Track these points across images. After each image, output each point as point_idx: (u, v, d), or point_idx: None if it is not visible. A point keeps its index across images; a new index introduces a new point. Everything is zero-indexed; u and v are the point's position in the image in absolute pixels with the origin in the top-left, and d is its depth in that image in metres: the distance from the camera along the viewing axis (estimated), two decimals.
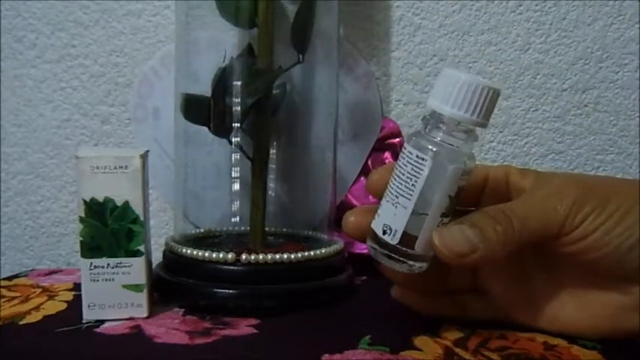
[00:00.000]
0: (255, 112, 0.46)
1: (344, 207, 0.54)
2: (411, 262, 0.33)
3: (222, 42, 0.48)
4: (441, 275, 0.38)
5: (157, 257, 0.45)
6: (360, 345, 0.35)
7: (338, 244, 0.46)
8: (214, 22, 0.47)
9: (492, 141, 0.58)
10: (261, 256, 0.42)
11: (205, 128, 0.46)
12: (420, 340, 0.36)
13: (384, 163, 0.55)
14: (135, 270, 0.39)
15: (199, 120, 0.47)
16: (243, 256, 0.42)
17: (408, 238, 0.32)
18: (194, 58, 0.49)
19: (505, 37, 0.57)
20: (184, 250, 0.43)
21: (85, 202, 0.38)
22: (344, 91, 0.54)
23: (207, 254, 0.42)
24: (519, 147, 0.58)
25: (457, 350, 0.34)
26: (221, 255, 0.42)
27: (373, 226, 0.34)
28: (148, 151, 0.40)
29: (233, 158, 0.49)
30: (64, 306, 0.42)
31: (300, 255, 0.43)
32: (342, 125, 0.54)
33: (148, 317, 0.39)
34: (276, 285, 0.42)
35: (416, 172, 0.32)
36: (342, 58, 0.54)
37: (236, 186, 0.49)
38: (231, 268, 0.42)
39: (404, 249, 0.33)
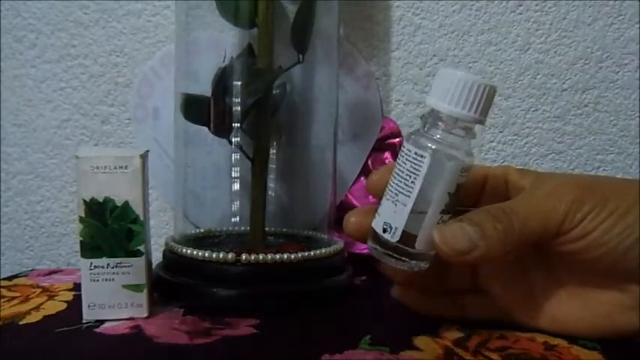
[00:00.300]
0: (255, 112, 0.46)
1: (344, 207, 0.54)
2: (411, 261, 0.33)
3: (222, 42, 0.48)
4: (441, 275, 0.38)
5: (156, 257, 0.45)
6: (360, 345, 0.35)
7: (338, 244, 0.46)
8: (214, 22, 0.47)
9: (492, 141, 0.58)
10: (261, 256, 0.42)
11: (205, 128, 0.46)
12: (420, 340, 0.36)
13: (384, 163, 0.55)
14: (135, 270, 0.39)
15: (199, 120, 0.47)
16: (243, 256, 0.42)
17: (408, 236, 0.33)
18: (194, 58, 0.49)
19: (505, 37, 0.57)
20: (184, 250, 0.43)
21: (84, 202, 0.38)
22: (344, 91, 0.54)
23: (207, 254, 0.42)
24: (519, 147, 0.58)
25: (457, 350, 0.34)
26: (221, 255, 0.42)
27: (373, 225, 0.34)
28: (148, 151, 0.40)
29: (233, 158, 0.49)
30: (64, 306, 0.42)
31: (300, 255, 0.43)
32: (342, 125, 0.54)
33: (148, 317, 0.39)
34: (276, 285, 0.42)
35: (415, 169, 0.32)
36: (342, 58, 0.54)
37: (236, 186, 0.49)
38: (231, 268, 0.42)
39: (404, 247, 0.33)
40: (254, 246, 0.46)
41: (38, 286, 0.47)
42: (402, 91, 0.57)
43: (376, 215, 0.34)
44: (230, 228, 0.50)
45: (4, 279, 0.50)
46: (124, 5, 0.56)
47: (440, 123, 0.32)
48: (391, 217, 0.33)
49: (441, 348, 0.34)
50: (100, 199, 0.38)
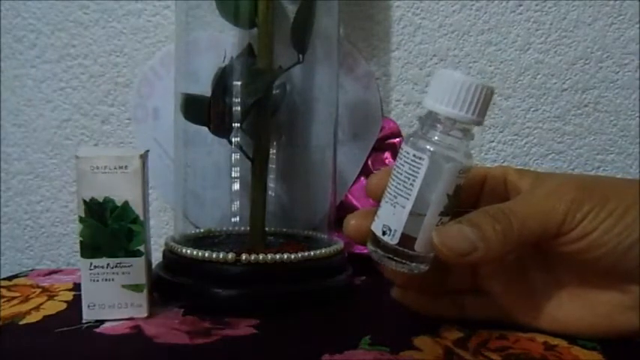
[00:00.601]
0: (255, 112, 0.46)
1: (344, 207, 0.54)
2: (411, 263, 0.33)
3: (222, 42, 0.48)
4: (441, 276, 0.38)
5: (156, 257, 0.45)
6: (360, 345, 0.35)
7: (338, 244, 0.46)
8: (214, 22, 0.47)
9: (492, 141, 0.58)
10: (261, 256, 0.42)
11: (205, 128, 0.46)
12: (420, 340, 0.36)
13: (384, 163, 0.55)
14: (135, 270, 0.39)
15: (199, 120, 0.47)
16: (243, 256, 0.42)
17: (407, 239, 0.33)
18: (194, 58, 0.49)
19: (505, 37, 0.57)
20: (184, 250, 0.43)
21: (84, 202, 0.38)
22: (344, 91, 0.54)
23: (207, 254, 0.42)
24: (519, 147, 0.58)
25: (457, 350, 0.34)
26: (221, 255, 0.42)
27: (373, 227, 0.34)
28: (148, 151, 0.40)
29: (233, 158, 0.49)
30: (64, 306, 0.42)
31: (300, 255, 0.43)
32: (342, 125, 0.54)
33: (147, 317, 0.39)
34: (276, 285, 0.42)
35: (413, 171, 0.32)
36: (342, 58, 0.54)
37: (236, 186, 0.49)
38: (231, 268, 0.42)
39: (404, 250, 0.33)
40: (254, 246, 0.46)
41: (38, 286, 0.47)
42: (402, 91, 0.57)
43: (375, 217, 0.34)
44: (230, 228, 0.50)
45: (4, 279, 0.50)
46: (124, 5, 0.56)
47: (438, 125, 0.32)
48: (390, 219, 0.33)
49: (441, 348, 0.35)
50: (100, 199, 0.38)
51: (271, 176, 0.49)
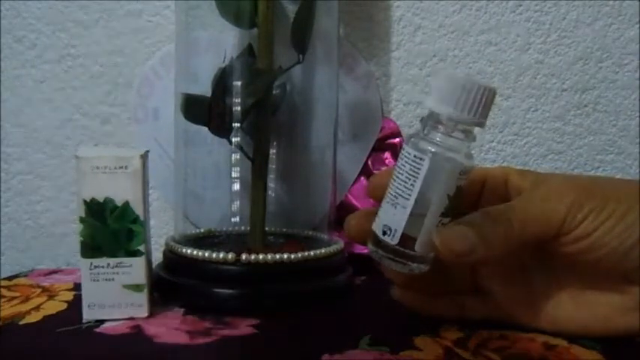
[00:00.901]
0: (255, 112, 0.46)
1: (344, 207, 0.54)
2: (411, 264, 0.33)
3: (222, 42, 0.48)
4: (441, 276, 0.38)
5: (156, 257, 0.45)
6: (360, 345, 0.35)
7: (338, 244, 0.46)
8: (214, 22, 0.47)
9: (492, 141, 0.58)
10: (261, 256, 0.42)
11: (205, 128, 0.46)
12: (420, 340, 0.36)
13: (384, 163, 0.55)
14: (135, 270, 0.39)
15: (199, 120, 0.47)
16: (243, 256, 0.42)
17: (408, 239, 0.33)
18: (194, 58, 0.49)
19: (505, 37, 0.57)
20: (184, 250, 0.43)
21: (85, 202, 0.38)
22: (344, 91, 0.54)
23: (207, 254, 0.42)
24: (519, 147, 0.58)
25: (457, 350, 0.34)
26: (221, 255, 0.42)
27: (373, 227, 0.34)
28: (148, 151, 0.40)
29: (233, 158, 0.49)
30: (64, 306, 0.42)
31: (300, 255, 0.43)
32: (342, 125, 0.54)
33: (148, 317, 0.39)
34: (276, 285, 0.42)
35: (414, 172, 0.32)
36: (342, 58, 0.54)
37: (236, 186, 0.49)
38: (231, 268, 0.42)
39: (404, 250, 0.33)
40: (254, 246, 0.46)
41: (38, 286, 0.47)
42: (402, 91, 0.57)
43: (376, 218, 0.34)
44: (230, 228, 0.50)
45: (4, 279, 0.50)
46: (124, 5, 0.56)
47: (439, 126, 0.32)
48: (391, 219, 0.33)
49: (441, 348, 0.35)
50: (100, 199, 0.38)
51: (271, 176, 0.49)
